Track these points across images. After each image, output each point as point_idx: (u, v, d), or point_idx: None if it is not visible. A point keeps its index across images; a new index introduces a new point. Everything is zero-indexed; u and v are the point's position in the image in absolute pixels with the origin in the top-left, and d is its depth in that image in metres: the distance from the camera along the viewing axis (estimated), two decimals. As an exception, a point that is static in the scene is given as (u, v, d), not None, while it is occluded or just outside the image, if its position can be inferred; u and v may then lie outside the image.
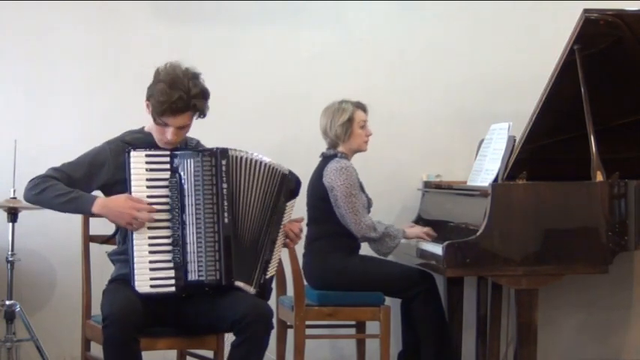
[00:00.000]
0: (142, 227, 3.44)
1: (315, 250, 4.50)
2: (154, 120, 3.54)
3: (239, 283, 3.53)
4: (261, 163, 3.57)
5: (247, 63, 5.11)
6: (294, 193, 3.69)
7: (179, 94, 3.47)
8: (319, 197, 4.48)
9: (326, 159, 4.55)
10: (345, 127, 4.51)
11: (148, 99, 3.55)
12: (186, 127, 3.57)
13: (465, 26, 5.29)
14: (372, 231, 4.44)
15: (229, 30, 5.10)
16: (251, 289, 3.55)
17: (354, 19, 5.22)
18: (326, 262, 4.45)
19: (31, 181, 3.53)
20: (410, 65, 5.25)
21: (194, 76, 3.54)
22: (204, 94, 3.56)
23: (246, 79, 5.10)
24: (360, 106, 4.57)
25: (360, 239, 4.49)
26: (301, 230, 3.77)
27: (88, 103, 4.99)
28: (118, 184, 3.51)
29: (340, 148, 4.55)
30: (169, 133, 3.53)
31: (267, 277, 3.61)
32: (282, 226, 3.64)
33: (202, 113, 3.58)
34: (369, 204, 4.57)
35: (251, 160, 3.56)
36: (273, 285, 3.81)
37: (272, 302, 3.68)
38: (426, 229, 4.62)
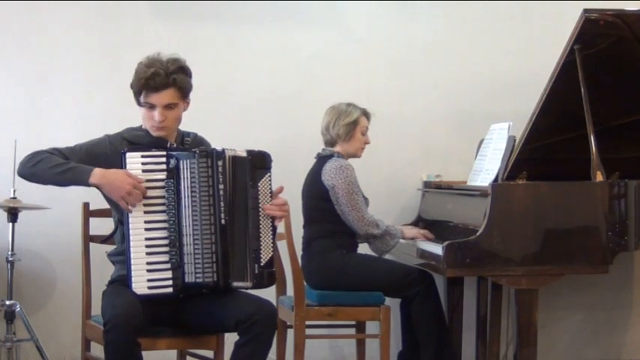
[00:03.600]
0: (135, 206, 3.40)
1: (313, 250, 4.50)
2: (138, 103, 3.53)
3: (236, 284, 3.51)
4: (232, 157, 3.51)
5: (247, 63, 5.11)
6: (264, 169, 3.55)
7: (155, 69, 3.47)
8: (317, 197, 4.48)
9: (322, 159, 4.55)
10: (349, 128, 4.53)
11: (131, 87, 3.55)
12: (173, 106, 3.52)
13: (464, 26, 5.28)
14: (374, 227, 4.44)
15: (229, 29, 5.10)
16: (248, 284, 3.52)
17: (353, 19, 5.21)
18: (325, 261, 4.45)
19: (26, 156, 3.52)
20: (410, 65, 5.24)
21: (175, 59, 3.55)
22: (183, 70, 3.55)
23: (245, 78, 5.09)
24: (366, 114, 4.60)
25: (362, 236, 4.49)
26: (285, 203, 3.60)
27: (88, 103, 4.99)
28: None
29: (337, 148, 4.55)
30: (157, 114, 3.50)
31: (263, 264, 3.52)
32: (260, 210, 3.53)
33: (185, 90, 3.54)
34: (366, 203, 4.57)
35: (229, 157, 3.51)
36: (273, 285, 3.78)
37: (272, 302, 3.67)
38: (423, 230, 4.63)
